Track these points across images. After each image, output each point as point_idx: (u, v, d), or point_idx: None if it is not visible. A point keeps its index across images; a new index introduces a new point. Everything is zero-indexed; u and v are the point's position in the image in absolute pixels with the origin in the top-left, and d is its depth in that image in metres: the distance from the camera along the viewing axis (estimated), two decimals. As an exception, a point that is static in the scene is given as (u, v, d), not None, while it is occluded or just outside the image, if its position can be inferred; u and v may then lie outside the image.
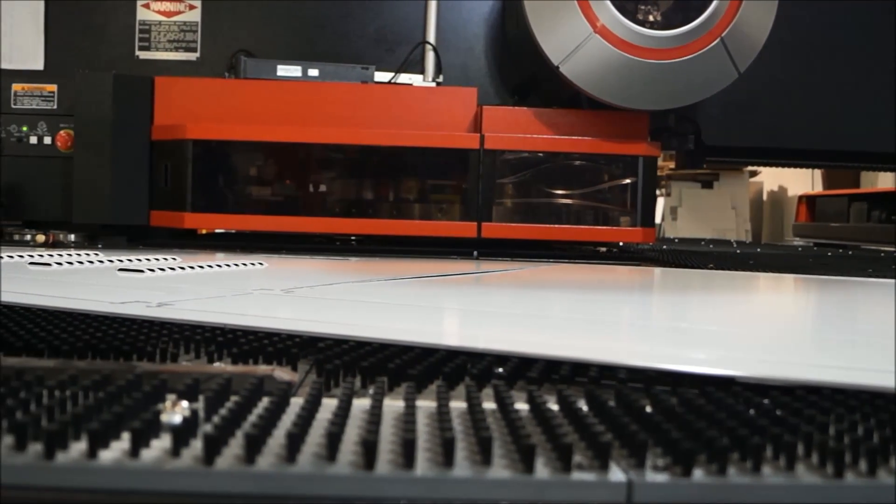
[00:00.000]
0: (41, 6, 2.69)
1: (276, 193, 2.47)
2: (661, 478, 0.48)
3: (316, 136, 2.43)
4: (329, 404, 0.61)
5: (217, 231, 2.78)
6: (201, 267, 1.64)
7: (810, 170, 6.07)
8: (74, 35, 2.70)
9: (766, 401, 0.63)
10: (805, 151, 2.83)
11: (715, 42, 2.26)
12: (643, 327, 1.08)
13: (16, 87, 2.58)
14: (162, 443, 0.50)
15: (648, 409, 0.60)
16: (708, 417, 0.56)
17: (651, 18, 2.27)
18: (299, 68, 2.51)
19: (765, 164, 3.33)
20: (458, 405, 0.62)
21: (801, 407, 0.61)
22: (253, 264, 1.75)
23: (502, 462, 0.49)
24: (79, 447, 0.49)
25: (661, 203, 5.98)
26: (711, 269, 2.19)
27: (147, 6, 2.70)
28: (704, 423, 0.54)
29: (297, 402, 0.60)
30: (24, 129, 2.56)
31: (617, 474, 0.48)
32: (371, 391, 0.67)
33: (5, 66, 2.67)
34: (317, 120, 2.44)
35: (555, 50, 2.29)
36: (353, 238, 2.62)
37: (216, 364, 0.78)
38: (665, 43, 2.24)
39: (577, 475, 0.48)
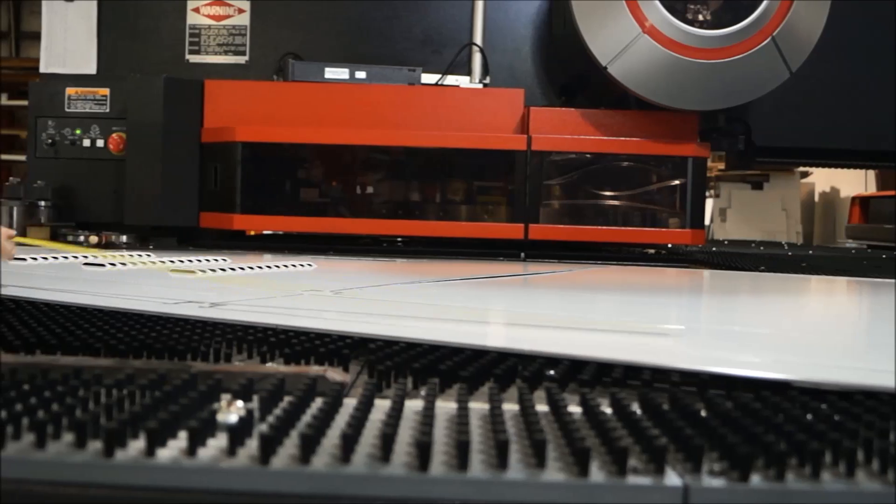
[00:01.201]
0: (94, 11, 2.73)
1: (323, 195, 2.48)
2: (718, 483, 0.47)
3: (363, 138, 2.44)
4: (381, 405, 0.61)
5: (265, 232, 2.80)
6: (251, 268, 1.65)
7: (863, 170, 5.98)
8: (126, 39, 2.74)
9: (823, 405, 0.62)
10: (858, 152, 2.78)
11: (766, 41, 2.23)
12: (695, 330, 1.07)
13: (69, 90, 2.62)
14: (218, 442, 0.51)
15: (703, 412, 0.59)
16: (764, 422, 0.56)
17: (700, 18, 2.25)
18: (347, 70, 2.52)
19: (817, 165, 3.29)
20: (510, 407, 0.62)
21: (860, 412, 0.60)
22: (302, 265, 1.76)
23: (556, 465, 0.49)
24: (137, 445, 0.49)
25: (709, 204, 5.92)
26: (762, 271, 2.17)
27: (197, 10, 2.73)
28: (761, 427, 0.53)
29: (349, 403, 0.61)
30: (78, 132, 2.60)
31: (673, 479, 0.47)
32: (423, 392, 0.67)
33: (59, 70, 2.71)
34: (364, 122, 2.45)
35: (603, 50, 2.28)
36: (399, 239, 2.63)
37: (269, 364, 0.78)
38: (715, 42, 2.22)
39: (632, 479, 0.47)
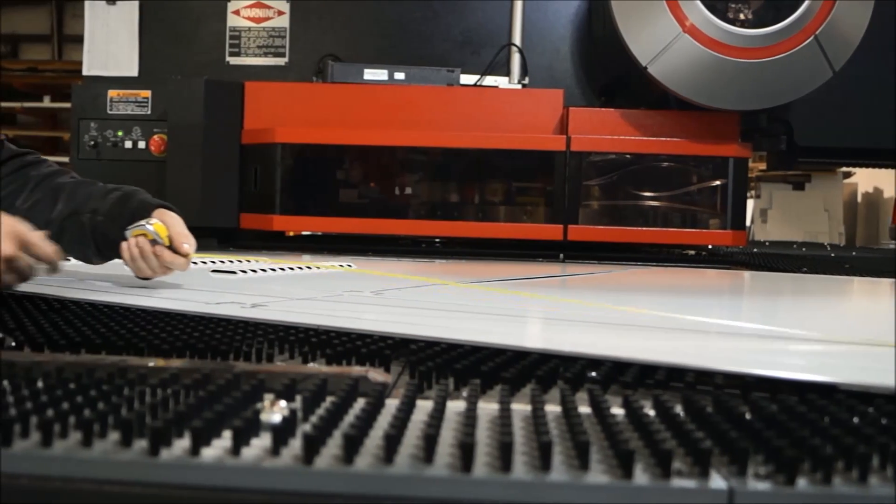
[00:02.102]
0: (136, 14, 2.75)
1: (362, 196, 2.49)
2: (764, 486, 0.47)
3: (402, 140, 2.44)
4: (423, 406, 0.61)
5: (303, 233, 2.82)
6: (291, 268, 1.66)
7: (907, 171, 5.88)
8: (167, 42, 2.76)
9: (870, 409, 0.61)
10: (902, 152, 2.74)
11: (808, 40, 2.21)
12: (737, 332, 1.06)
13: (112, 93, 2.65)
14: (261, 441, 0.51)
15: (747, 415, 0.58)
16: (811, 425, 0.55)
17: (742, 17, 2.23)
18: (385, 72, 2.52)
19: (859, 165, 3.25)
20: (552, 408, 0.62)
21: (909, 415, 0.59)
22: (341, 266, 1.77)
23: (600, 467, 0.49)
24: (182, 444, 0.50)
25: (749, 205, 5.86)
26: (805, 272, 2.14)
27: (237, 13, 2.75)
28: (807, 430, 0.53)
29: (391, 404, 0.61)
30: (120, 133, 2.63)
31: (717, 482, 0.47)
32: (465, 393, 0.67)
33: (102, 72, 2.74)
34: (403, 123, 2.45)
35: (643, 50, 2.26)
36: (437, 240, 2.63)
37: (311, 364, 0.79)
38: (757, 42, 2.20)
39: (676, 482, 0.47)
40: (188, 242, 1.24)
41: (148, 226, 1.22)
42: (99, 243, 1.33)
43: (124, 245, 1.24)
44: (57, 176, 1.44)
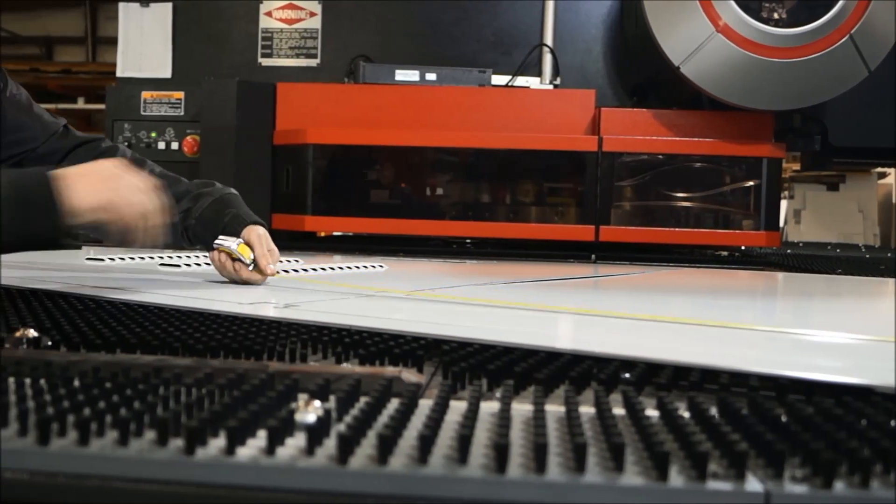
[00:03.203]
0: (169, 16, 2.78)
1: (394, 197, 2.49)
2: (800, 489, 0.46)
3: (433, 140, 2.44)
4: (456, 406, 0.61)
5: (335, 234, 2.82)
6: (323, 269, 1.66)
7: (943, 171, 5.82)
8: (200, 43, 2.78)
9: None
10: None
11: (843, 39, 2.19)
12: (772, 333, 1.06)
13: (145, 94, 2.68)
14: (296, 441, 0.51)
15: (783, 417, 0.58)
16: (848, 428, 0.54)
17: (776, 16, 2.21)
18: (417, 72, 2.53)
19: (895, 166, 3.21)
20: (585, 410, 0.62)
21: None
22: (373, 266, 1.77)
23: (634, 469, 0.49)
24: (217, 444, 0.50)
25: (783, 206, 5.81)
26: (839, 274, 2.12)
27: (269, 14, 2.77)
28: (844, 433, 0.52)
29: (424, 404, 0.61)
30: (153, 134, 2.65)
31: (754, 484, 0.47)
32: (498, 394, 0.67)
33: (135, 74, 2.77)
34: (434, 124, 2.45)
35: (675, 50, 2.25)
36: (468, 241, 2.63)
37: (344, 365, 0.79)
38: (791, 41, 2.18)
39: (712, 484, 0.47)
40: (271, 261, 1.37)
41: (233, 246, 1.34)
42: (191, 240, 1.44)
43: (212, 255, 1.38)
44: (136, 167, 1.48)
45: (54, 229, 1.02)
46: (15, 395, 0.57)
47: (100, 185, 1.06)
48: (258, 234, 1.38)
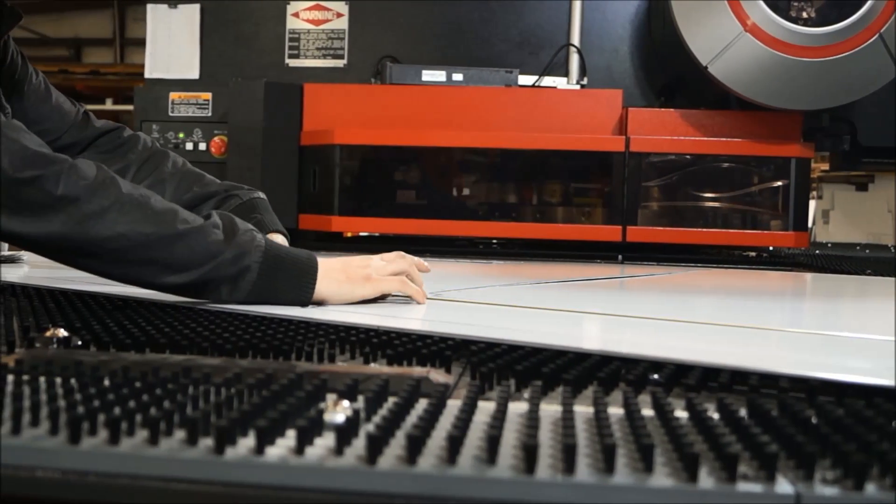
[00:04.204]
0: (197, 17, 2.79)
1: (420, 197, 2.50)
2: (831, 491, 0.46)
3: (460, 141, 2.44)
4: (484, 407, 0.61)
5: (361, 234, 2.83)
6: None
7: (975, 171, 5.75)
8: (227, 44, 2.80)
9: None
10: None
11: (873, 38, 2.17)
12: (802, 335, 1.05)
13: (173, 95, 2.69)
14: (325, 441, 0.51)
15: (813, 419, 0.57)
16: (879, 430, 0.54)
17: (804, 15, 2.19)
18: (444, 73, 2.53)
19: (925, 166, 3.17)
20: (614, 411, 0.61)
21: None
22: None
23: (664, 470, 0.48)
24: (246, 443, 0.50)
25: (811, 206, 5.76)
26: (869, 275, 2.10)
27: (296, 15, 2.78)
28: (875, 435, 0.52)
29: (452, 405, 0.61)
30: (181, 135, 2.66)
31: (784, 486, 0.46)
32: (527, 395, 0.67)
33: (163, 75, 2.79)
34: (461, 124, 2.45)
35: (703, 50, 2.24)
36: (494, 241, 2.63)
37: (372, 365, 0.79)
38: (820, 40, 2.17)
39: (742, 486, 0.46)
40: None
41: None
42: None
43: None
44: (158, 159, 1.48)
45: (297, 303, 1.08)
46: (46, 394, 0.58)
47: (345, 283, 1.12)
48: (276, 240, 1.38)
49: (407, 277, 1.17)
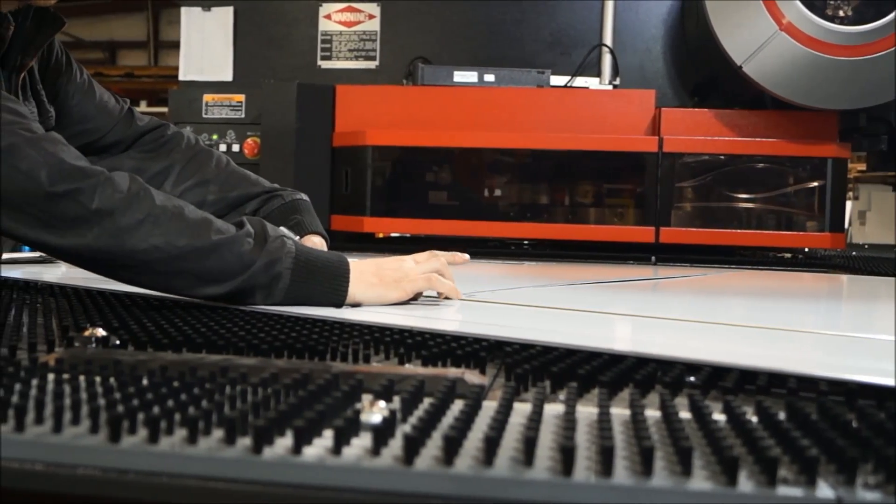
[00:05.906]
0: (230, 19, 2.81)
1: (452, 198, 2.49)
2: (873, 496, 0.45)
3: (492, 141, 2.44)
4: (519, 408, 0.61)
5: (393, 235, 2.84)
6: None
7: None
8: (260, 46, 2.82)
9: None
10: None
11: (911, 37, 2.14)
12: (839, 337, 1.04)
13: (207, 97, 2.71)
14: (361, 441, 0.51)
15: (854, 423, 0.57)
16: (921, 434, 0.53)
17: (841, 14, 2.17)
18: (475, 74, 2.52)
19: (964, 166, 3.13)
20: (650, 413, 0.61)
21: None
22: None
23: (702, 473, 0.48)
24: (283, 443, 0.50)
25: (847, 207, 5.70)
26: (906, 276, 2.08)
27: (329, 17, 2.79)
28: (918, 439, 0.51)
29: (488, 406, 0.61)
30: (215, 137, 2.68)
31: (825, 490, 0.46)
32: (563, 396, 0.66)
33: (197, 77, 2.81)
34: (493, 125, 2.45)
35: (737, 49, 2.22)
36: (526, 242, 2.62)
37: (407, 366, 0.79)
38: (857, 39, 2.14)
39: (782, 490, 0.46)
40: None
41: None
42: None
43: None
44: (202, 159, 1.50)
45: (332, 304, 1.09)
46: (86, 392, 0.58)
47: (378, 287, 1.12)
48: (313, 242, 1.40)
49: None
